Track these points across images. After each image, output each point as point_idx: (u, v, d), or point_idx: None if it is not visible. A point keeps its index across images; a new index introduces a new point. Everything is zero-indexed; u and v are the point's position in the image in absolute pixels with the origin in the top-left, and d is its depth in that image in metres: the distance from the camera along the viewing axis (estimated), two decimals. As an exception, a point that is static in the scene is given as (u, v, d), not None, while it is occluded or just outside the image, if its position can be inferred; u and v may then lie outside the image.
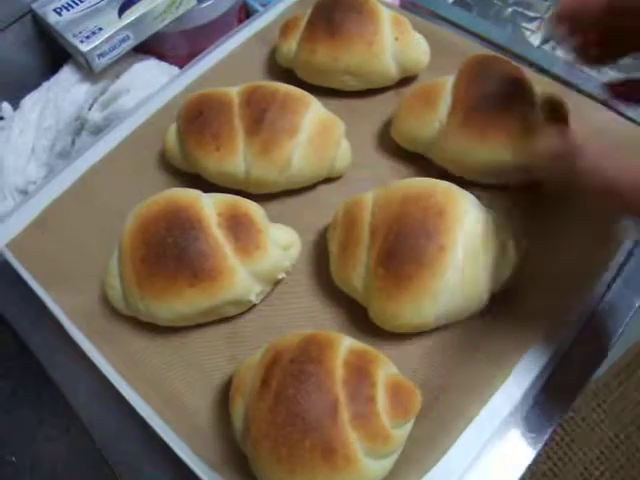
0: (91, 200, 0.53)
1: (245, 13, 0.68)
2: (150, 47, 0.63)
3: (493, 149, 0.45)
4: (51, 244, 0.51)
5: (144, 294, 0.43)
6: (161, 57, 0.65)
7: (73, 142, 0.63)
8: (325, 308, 0.46)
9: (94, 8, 0.60)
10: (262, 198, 0.49)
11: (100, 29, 0.57)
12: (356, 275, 0.43)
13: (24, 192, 0.60)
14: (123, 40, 0.58)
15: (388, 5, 0.59)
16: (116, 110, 0.61)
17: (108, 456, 0.43)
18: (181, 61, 0.65)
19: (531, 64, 0.58)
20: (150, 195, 0.46)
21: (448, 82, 0.49)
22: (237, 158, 0.48)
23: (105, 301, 0.46)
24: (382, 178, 0.51)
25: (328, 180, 0.51)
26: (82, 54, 0.57)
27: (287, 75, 0.57)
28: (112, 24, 0.57)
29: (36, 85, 0.64)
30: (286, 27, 0.56)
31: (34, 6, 0.62)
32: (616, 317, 0.45)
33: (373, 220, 0.42)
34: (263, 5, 0.67)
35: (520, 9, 0.77)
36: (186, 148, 0.49)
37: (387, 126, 0.53)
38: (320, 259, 0.47)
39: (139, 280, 0.43)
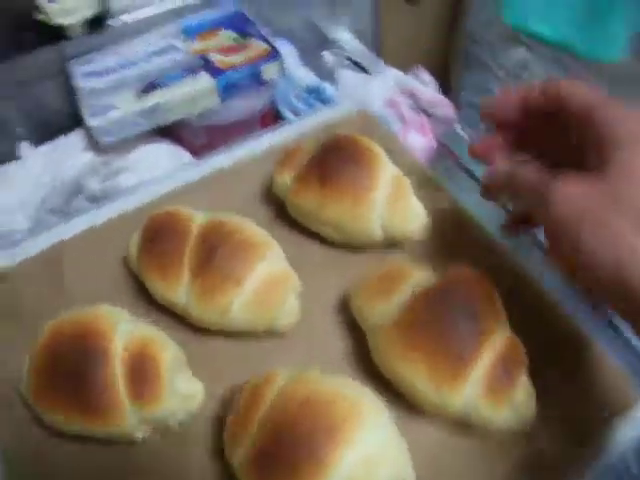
0: (53, 274, 0.52)
1: (272, 117, 0.66)
2: (166, 128, 0.62)
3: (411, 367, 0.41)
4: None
5: (36, 401, 0.42)
6: (177, 139, 0.64)
7: (67, 202, 0.63)
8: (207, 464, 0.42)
9: (119, 82, 0.59)
10: (202, 330, 0.47)
11: (114, 108, 0.57)
12: (238, 458, 0.39)
13: (4, 238, 0.60)
14: (134, 124, 0.57)
15: (409, 156, 0.55)
16: (115, 185, 0.60)
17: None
18: (196, 148, 0.64)
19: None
20: (105, 290, 0.48)
21: (416, 277, 0.44)
22: (179, 293, 0.46)
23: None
24: (325, 344, 0.47)
25: (271, 332, 0.48)
26: (89, 128, 0.56)
27: (281, 204, 0.54)
28: (127, 105, 0.57)
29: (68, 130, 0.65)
30: (285, 158, 0.53)
31: (70, 63, 0.63)
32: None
33: (268, 409, 0.39)
34: (295, 113, 0.65)
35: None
36: (139, 263, 0.48)
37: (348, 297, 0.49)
38: (219, 418, 0.44)
39: (35, 388, 0.42)
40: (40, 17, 0.59)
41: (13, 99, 0.65)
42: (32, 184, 0.60)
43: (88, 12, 0.60)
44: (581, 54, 0.70)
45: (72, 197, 0.62)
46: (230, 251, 0.45)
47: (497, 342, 0.40)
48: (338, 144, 0.51)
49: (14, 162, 0.63)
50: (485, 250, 0.51)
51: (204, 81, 0.57)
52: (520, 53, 0.73)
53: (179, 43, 0.62)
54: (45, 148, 0.62)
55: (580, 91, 0.38)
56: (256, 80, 0.59)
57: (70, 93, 0.65)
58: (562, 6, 0.67)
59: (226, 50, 0.60)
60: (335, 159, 0.49)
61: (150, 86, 0.58)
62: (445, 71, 0.69)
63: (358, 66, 0.74)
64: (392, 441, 0.38)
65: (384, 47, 0.81)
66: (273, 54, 0.59)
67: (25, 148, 0.64)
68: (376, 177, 0.49)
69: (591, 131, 0.36)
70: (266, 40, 0.61)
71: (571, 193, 0.33)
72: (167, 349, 0.43)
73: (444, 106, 0.68)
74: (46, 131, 0.65)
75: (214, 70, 0.58)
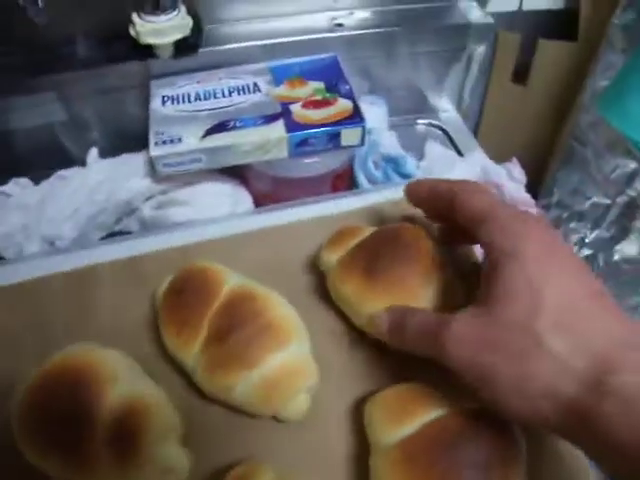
0: (77, 297, 0.50)
1: (346, 180, 0.62)
2: (234, 168, 0.59)
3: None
4: (19, 314, 0.50)
5: (21, 438, 0.39)
6: (242, 181, 0.61)
7: (119, 220, 0.61)
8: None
9: (192, 115, 0.57)
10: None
11: (179, 140, 0.54)
12: None
13: (50, 243, 0.59)
14: (194, 161, 0.54)
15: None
16: (166, 216, 0.58)
17: None
18: (260, 195, 0.61)
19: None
20: (130, 325, 0.47)
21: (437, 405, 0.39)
22: (189, 355, 0.43)
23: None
24: (329, 442, 0.43)
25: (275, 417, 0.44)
26: (150, 156, 0.54)
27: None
28: (192, 140, 0.54)
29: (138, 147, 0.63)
30: (337, 236, 0.48)
31: (152, 83, 0.61)
32: None
33: None
34: (370, 181, 0.60)
35: None
36: (161, 311, 0.45)
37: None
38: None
39: (21, 425, 0.39)
40: (132, 33, 0.57)
41: (94, 104, 0.64)
42: (86, 196, 0.59)
43: (180, 35, 0.58)
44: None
45: (122, 217, 0.61)
46: (249, 334, 0.41)
47: None
48: (390, 234, 0.46)
49: (76, 168, 0.62)
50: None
51: (277, 132, 0.54)
52: (627, 166, 0.66)
53: (264, 84, 0.59)
54: (109, 162, 0.61)
55: (470, 202, 0.38)
56: (333, 143, 0.55)
57: (147, 111, 0.64)
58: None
59: (308, 104, 0.57)
60: (387, 253, 0.44)
61: (222, 125, 0.55)
62: (540, 165, 0.63)
63: (451, 141, 0.69)
64: None
65: (481, 127, 0.76)
66: (357, 118, 0.55)
67: (93, 155, 0.63)
68: (426, 279, 0.44)
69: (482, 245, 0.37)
70: (353, 100, 0.57)
71: (461, 341, 0.33)
72: (158, 416, 0.40)
73: (528, 206, 0.62)
74: (119, 142, 0.64)
75: (291, 123, 0.55)
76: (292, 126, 0.55)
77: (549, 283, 0.32)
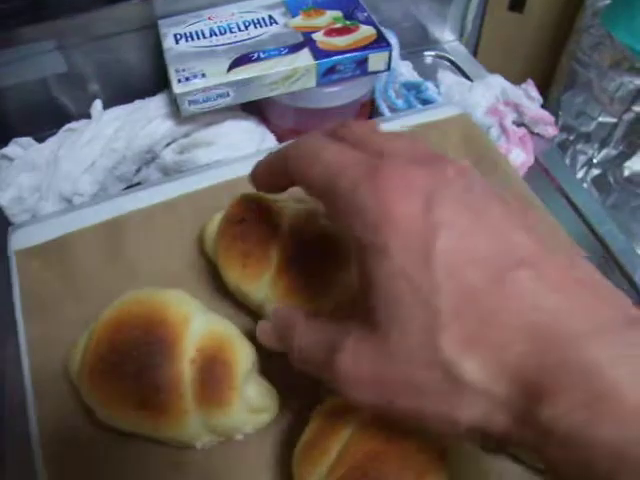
0: (116, 246, 0.48)
1: (369, 110, 0.61)
2: (254, 105, 0.57)
3: None
4: (57, 272, 0.47)
5: (91, 392, 0.37)
6: (262, 120, 0.59)
7: (137, 170, 0.58)
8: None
9: (210, 50, 0.54)
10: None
11: (203, 75, 0.52)
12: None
13: (68, 200, 0.56)
14: (221, 95, 0.52)
15: (513, 173, 0.50)
16: (190, 159, 0.55)
17: None
18: (282, 132, 0.59)
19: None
20: (173, 274, 0.45)
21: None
22: (258, 287, 0.41)
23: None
24: None
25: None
26: (174, 94, 0.51)
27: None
28: (217, 75, 0.52)
29: (147, 95, 0.60)
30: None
31: (160, 22, 0.58)
32: None
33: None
34: (392, 110, 0.60)
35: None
36: (217, 247, 0.43)
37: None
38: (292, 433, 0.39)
39: (91, 377, 0.37)
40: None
41: (94, 53, 0.61)
42: (102, 147, 0.55)
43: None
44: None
45: (143, 166, 0.58)
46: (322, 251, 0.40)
47: None
48: None
49: (85, 120, 0.59)
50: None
51: (305, 60, 0.52)
52: (633, 82, 0.67)
53: (279, 16, 0.57)
54: (121, 110, 0.58)
55: (306, 174, 0.29)
56: (360, 69, 0.54)
57: (154, 55, 0.61)
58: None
59: (331, 31, 0.55)
60: None
61: (245, 58, 0.53)
62: (542, 91, 0.63)
63: (460, 70, 0.69)
64: None
65: (482, 56, 0.76)
66: (382, 42, 0.54)
67: (98, 108, 0.59)
68: None
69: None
70: (375, 26, 0.56)
71: (358, 383, 0.26)
72: (243, 353, 0.38)
73: (547, 124, 0.63)
74: (123, 91, 0.61)
75: (317, 51, 0.53)
76: (319, 53, 0.53)
77: (436, 277, 0.23)
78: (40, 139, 0.59)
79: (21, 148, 0.59)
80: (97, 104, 0.60)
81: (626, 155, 0.71)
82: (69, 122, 0.60)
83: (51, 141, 0.58)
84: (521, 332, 0.22)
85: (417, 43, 0.71)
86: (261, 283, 0.41)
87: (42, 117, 0.62)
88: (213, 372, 0.36)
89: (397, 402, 0.25)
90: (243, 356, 0.37)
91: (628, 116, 0.69)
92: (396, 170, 0.25)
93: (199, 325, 0.38)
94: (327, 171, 0.27)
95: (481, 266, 0.23)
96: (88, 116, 0.59)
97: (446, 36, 0.72)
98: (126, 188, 0.58)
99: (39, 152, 0.57)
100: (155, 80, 0.61)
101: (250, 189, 0.38)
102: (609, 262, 0.53)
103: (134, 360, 0.36)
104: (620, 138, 0.71)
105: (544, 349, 0.21)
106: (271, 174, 0.34)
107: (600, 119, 0.72)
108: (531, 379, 0.22)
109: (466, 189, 0.25)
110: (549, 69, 0.77)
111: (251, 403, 0.37)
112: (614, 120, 0.71)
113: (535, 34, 0.76)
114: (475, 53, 0.76)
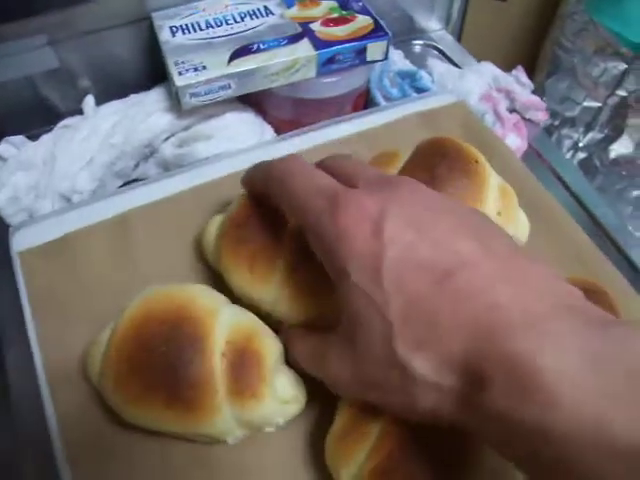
0: (121, 244, 0.48)
1: (365, 100, 0.61)
2: (252, 97, 0.56)
3: None
4: (63, 272, 0.46)
5: (116, 390, 0.37)
6: (259, 112, 0.59)
7: (136, 165, 0.57)
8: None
9: (208, 42, 0.54)
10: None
11: (204, 67, 0.51)
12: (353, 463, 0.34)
13: (66, 199, 0.55)
14: (223, 87, 0.52)
15: (513, 158, 0.51)
16: (190, 153, 0.55)
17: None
18: (279, 124, 0.59)
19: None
20: (182, 272, 0.45)
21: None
22: (267, 289, 0.40)
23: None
24: None
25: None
26: (175, 87, 0.51)
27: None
28: (218, 67, 0.51)
29: (141, 89, 0.59)
30: (378, 161, 0.47)
31: (154, 15, 0.57)
32: None
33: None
34: (387, 99, 0.60)
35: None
36: (221, 251, 0.42)
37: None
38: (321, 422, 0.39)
39: (117, 375, 0.36)
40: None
41: (82, 47, 0.59)
42: (100, 142, 0.55)
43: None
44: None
45: (141, 161, 0.57)
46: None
47: None
48: (443, 149, 0.45)
49: (80, 117, 0.57)
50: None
51: (305, 50, 0.52)
52: (616, 68, 0.69)
53: (275, 7, 0.57)
54: (117, 105, 0.57)
55: (281, 196, 0.35)
56: (359, 59, 0.54)
57: (147, 48, 0.60)
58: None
59: (328, 21, 0.55)
60: (440, 166, 0.43)
61: (245, 49, 0.53)
62: (526, 75, 0.65)
63: (447, 58, 0.70)
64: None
65: (466, 43, 0.77)
66: (380, 32, 0.54)
67: (90, 104, 0.58)
68: (485, 186, 0.44)
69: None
70: (372, 15, 0.56)
71: (339, 380, 0.32)
72: (271, 342, 0.38)
73: (538, 110, 0.64)
74: (116, 86, 0.60)
75: (317, 41, 0.53)
76: (319, 43, 0.53)
77: (386, 289, 0.27)
78: (31, 137, 0.58)
79: (14, 147, 0.58)
80: (89, 100, 0.59)
81: (611, 138, 0.72)
82: (61, 119, 0.58)
83: (46, 138, 0.56)
84: (461, 329, 0.25)
85: (405, 32, 0.71)
86: (270, 286, 0.40)
87: (33, 115, 0.61)
88: (244, 364, 0.36)
89: (370, 396, 0.30)
90: (272, 346, 0.38)
91: (612, 100, 0.71)
92: (352, 200, 0.29)
93: (227, 317, 0.38)
94: (296, 203, 0.32)
95: (423, 273, 0.27)
96: (80, 112, 0.58)
97: (433, 25, 0.73)
98: (124, 184, 0.57)
99: (34, 150, 0.56)
100: (149, 74, 0.60)
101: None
102: (605, 241, 0.54)
103: (163, 356, 0.35)
104: (605, 122, 0.73)
105: (481, 343, 0.25)
106: (254, 187, 0.39)
107: (585, 104, 0.74)
108: (472, 370, 0.25)
109: (416, 206, 0.29)
110: (533, 56, 0.78)
111: (281, 394, 0.37)
112: (598, 104, 0.73)
113: (519, 21, 0.77)
114: (459, 41, 0.76)
